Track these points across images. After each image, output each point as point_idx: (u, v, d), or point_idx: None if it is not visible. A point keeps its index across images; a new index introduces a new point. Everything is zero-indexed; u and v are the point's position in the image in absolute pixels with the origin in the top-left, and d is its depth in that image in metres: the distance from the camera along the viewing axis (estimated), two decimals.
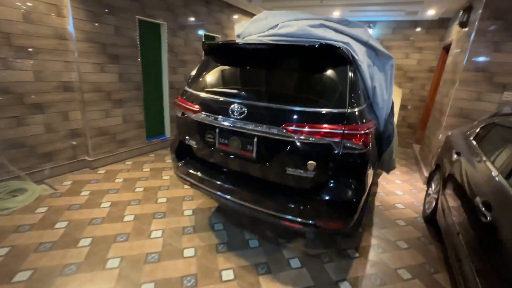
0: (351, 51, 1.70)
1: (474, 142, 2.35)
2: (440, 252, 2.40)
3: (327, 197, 1.63)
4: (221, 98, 1.87)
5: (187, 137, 2.18)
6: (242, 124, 1.74)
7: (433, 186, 2.94)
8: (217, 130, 1.89)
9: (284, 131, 1.61)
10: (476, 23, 3.18)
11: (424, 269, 2.16)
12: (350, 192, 1.64)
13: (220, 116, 1.83)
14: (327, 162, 1.62)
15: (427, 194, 3.11)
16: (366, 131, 1.57)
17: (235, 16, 5.62)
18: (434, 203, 2.77)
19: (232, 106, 1.78)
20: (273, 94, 1.76)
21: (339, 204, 1.64)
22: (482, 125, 2.50)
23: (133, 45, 3.63)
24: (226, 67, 2.05)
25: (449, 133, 3.06)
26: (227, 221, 2.59)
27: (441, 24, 5.18)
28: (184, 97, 2.13)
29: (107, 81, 3.41)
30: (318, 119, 1.58)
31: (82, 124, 3.35)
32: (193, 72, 2.21)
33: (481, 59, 3.24)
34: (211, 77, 2.08)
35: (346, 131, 1.54)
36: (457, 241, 1.80)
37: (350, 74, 1.66)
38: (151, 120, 4.30)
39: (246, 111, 1.73)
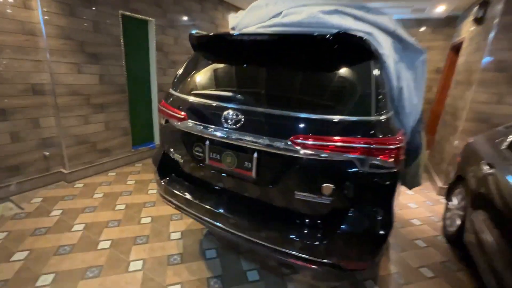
0: (375, 43, 1.34)
1: (510, 154, 2.01)
2: (471, 280, 2.05)
3: (349, 230, 1.26)
4: (213, 103, 1.50)
5: (171, 150, 1.80)
6: (238, 135, 1.37)
7: (456, 201, 2.59)
8: (207, 142, 1.52)
9: (292, 145, 1.24)
10: (497, 19, 2.87)
11: None
12: (378, 223, 1.28)
13: (211, 125, 1.46)
14: (348, 184, 1.26)
15: (447, 209, 2.77)
16: (398, 144, 1.21)
17: (231, 14, 5.27)
18: (458, 221, 2.42)
19: (225, 112, 1.42)
20: (278, 98, 1.39)
21: (365, 239, 1.28)
22: None
23: (116, 44, 3.25)
24: (219, 65, 1.68)
25: (470, 140, 2.73)
26: (221, 246, 2.20)
27: (448, 22, 4.91)
28: (168, 102, 1.76)
29: (85, 83, 3.02)
30: (336, 129, 1.23)
31: (56, 132, 2.94)
32: (179, 71, 1.84)
33: (503, 57, 2.92)
34: (200, 77, 1.71)
35: (373, 145, 1.18)
36: (505, 277, 1.44)
37: (375, 71, 1.30)
38: (138, 126, 3.91)
39: (243, 119, 1.37)
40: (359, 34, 1.29)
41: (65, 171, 3.06)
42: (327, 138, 1.21)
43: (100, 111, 3.25)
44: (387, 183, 1.27)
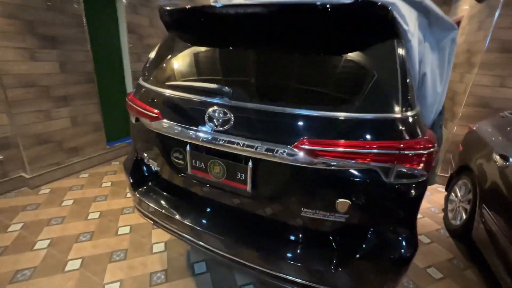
0: (399, 16, 1.05)
1: None
2: (481, 279, 1.92)
3: (370, 254, 1.03)
4: (193, 98, 1.18)
5: (145, 154, 1.48)
6: (227, 139, 1.07)
7: (459, 193, 2.45)
8: (188, 147, 1.21)
9: (297, 152, 0.96)
10: None
11: None
12: (403, 245, 1.04)
13: (192, 126, 1.15)
14: (368, 199, 1.01)
15: (449, 201, 2.63)
16: (430, 148, 0.96)
17: None
18: (463, 215, 2.28)
19: (210, 110, 1.11)
20: (276, 91, 1.10)
21: (388, 265, 1.05)
22: None
23: (78, 24, 2.76)
24: (200, 49, 1.34)
25: (473, 127, 2.56)
26: (211, 258, 1.95)
27: (444, 0, 4.65)
28: (138, 96, 1.41)
29: (42, 72, 2.56)
30: (354, 131, 0.96)
31: (10, 131, 2.50)
32: (150, 57, 1.48)
33: (508, 37, 2.72)
34: (177, 64, 1.37)
35: (402, 151, 0.92)
36: None
37: (400, 53, 1.02)
38: (113, 120, 3.49)
39: (232, 119, 1.07)
40: (381, 1, 1.00)
41: (26, 176, 2.65)
42: (343, 142, 0.94)
43: (64, 104, 2.81)
44: (414, 195, 1.02)
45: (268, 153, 1.00)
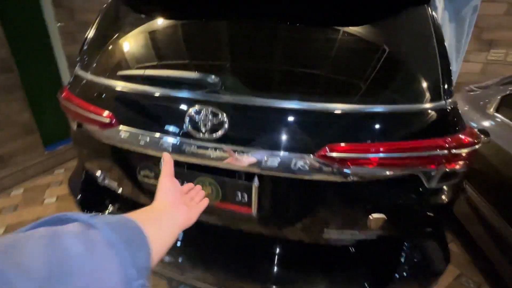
0: None
1: (503, 118, 1.86)
2: (463, 251, 1.99)
3: (411, 271, 0.87)
4: (163, 92, 0.83)
5: (98, 173, 1.08)
6: (220, 150, 0.76)
7: None
8: (162, 162, 0.87)
9: (323, 162, 0.71)
10: None
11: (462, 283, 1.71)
12: (439, 256, 0.90)
13: (166, 135, 0.81)
14: (405, 209, 0.82)
15: None
16: (477, 142, 0.79)
17: None
18: None
19: (191, 110, 0.78)
20: (286, 78, 0.80)
21: (427, 279, 0.89)
22: (503, 94, 2.03)
23: None
24: (168, 22, 0.95)
25: None
26: None
27: None
28: (77, 91, 0.99)
29: None
30: (393, 129, 0.74)
31: None
32: (89, 36, 1.05)
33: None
34: (132, 43, 0.98)
35: (452, 149, 0.73)
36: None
37: (436, 22, 0.81)
38: (49, 118, 2.81)
39: (226, 121, 0.76)
40: None
41: None
42: (383, 145, 0.71)
43: None
44: (452, 198, 0.86)
45: (282, 167, 0.73)
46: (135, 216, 0.37)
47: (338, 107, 0.72)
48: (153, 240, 0.34)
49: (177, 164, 0.88)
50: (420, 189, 0.79)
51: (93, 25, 1.05)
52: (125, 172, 0.99)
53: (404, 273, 0.87)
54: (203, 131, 0.77)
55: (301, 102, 0.73)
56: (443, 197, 0.83)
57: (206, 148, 0.77)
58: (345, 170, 0.71)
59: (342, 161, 0.71)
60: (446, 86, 0.76)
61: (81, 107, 0.94)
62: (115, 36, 0.98)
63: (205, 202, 0.55)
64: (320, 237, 0.87)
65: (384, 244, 0.89)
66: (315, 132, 0.73)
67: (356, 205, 0.82)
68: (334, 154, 0.71)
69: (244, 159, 0.74)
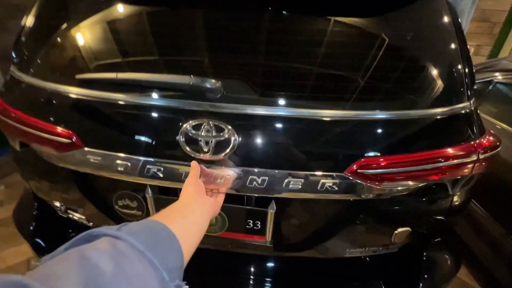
0: None
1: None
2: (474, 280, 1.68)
3: (431, 281, 0.83)
4: (146, 102, 0.64)
5: (58, 204, 0.84)
6: (228, 173, 0.61)
7: None
8: (149, 190, 0.69)
9: (356, 180, 0.61)
10: None
11: None
12: (453, 259, 0.89)
13: (153, 158, 0.63)
14: (429, 220, 0.77)
15: None
16: (498, 146, 0.75)
17: None
18: None
19: (186, 125, 0.61)
20: (306, 82, 0.67)
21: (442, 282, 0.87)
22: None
23: None
24: (148, 5, 0.73)
25: None
26: None
27: None
28: (15, 101, 0.74)
29: None
30: (421, 137, 0.67)
31: None
32: (28, 23, 0.78)
33: (485, 6, 2.73)
34: (98, 33, 0.74)
35: (481, 154, 0.68)
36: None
37: (453, 10, 0.75)
38: None
39: (235, 138, 0.60)
40: None
41: None
42: (416, 156, 0.63)
43: None
44: (466, 202, 0.83)
45: (306, 188, 0.60)
46: (162, 216, 0.39)
47: (370, 114, 0.62)
48: (182, 236, 0.35)
49: (168, 191, 0.71)
50: (444, 197, 0.75)
51: (32, 9, 0.78)
52: (96, 202, 0.78)
53: (422, 281, 0.84)
54: (205, 150, 0.60)
55: (327, 111, 0.61)
56: (461, 202, 0.80)
57: (212, 172, 0.61)
58: (378, 187, 0.62)
59: (376, 177, 0.62)
60: (470, 85, 0.71)
61: (24, 123, 0.69)
62: (68, 24, 0.73)
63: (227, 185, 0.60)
64: (341, 258, 0.78)
65: (404, 259, 0.84)
66: (343, 146, 0.62)
67: (383, 221, 0.74)
68: (369, 171, 0.61)
69: (260, 183, 0.60)
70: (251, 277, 0.85)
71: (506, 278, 1.34)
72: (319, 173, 0.61)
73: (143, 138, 0.64)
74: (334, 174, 0.61)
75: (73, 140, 0.66)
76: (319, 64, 0.66)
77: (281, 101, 0.63)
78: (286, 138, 0.62)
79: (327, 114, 0.62)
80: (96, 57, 0.70)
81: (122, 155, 0.63)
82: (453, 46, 0.71)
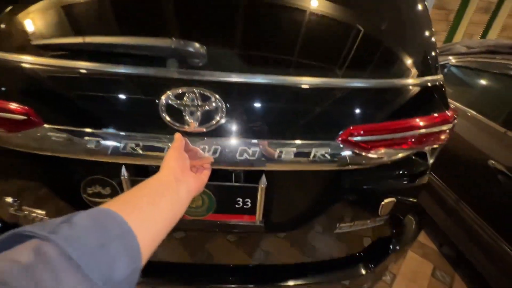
0: None
1: None
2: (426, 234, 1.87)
3: (402, 244, 0.89)
4: (119, 70, 0.57)
5: (9, 200, 0.72)
6: (214, 146, 0.57)
7: None
8: (124, 171, 0.61)
9: (348, 148, 0.60)
10: None
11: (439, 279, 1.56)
12: (418, 221, 0.96)
13: (128, 132, 0.56)
14: (411, 189, 0.81)
15: None
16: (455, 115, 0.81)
17: None
18: None
19: (169, 93, 0.55)
20: (299, 48, 0.64)
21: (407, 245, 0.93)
22: None
23: None
24: None
25: None
26: None
27: None
28: None
29: None
30: (402, 105, 0.69)
31: None
32: None
33: None
34: None
35: (453, 123, 0.72)
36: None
37: None
38: None
39: (223, 107, 0.56)
40: None
41: None
42: (402, 123, 0.64)
43: None
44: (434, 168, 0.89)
45: (300, 159, 0.58)
46: (125, 200, 0.32)
47: (358, 82, 0.62)
48: (146, 230, 0.30)
49: (147, 171, 0.64)
50: (424, 166, 0.78)
51: None
52: (59, 193, 0.67)
53: (396, 245, 0.88)
54: (190, 121, 0.55)
55: (318, 78, 0.59)
56: (428, 171, 0.84)
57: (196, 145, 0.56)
58: (370, 155, 0.62)
59: (367, 144, 0.61)
60: (437, 60, 0.75)
61: None
62: None
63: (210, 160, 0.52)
64: (332, 235, 0.77)
65: (384, 228, 0.86)
66: (334, 113, 0.61)
67: (371, 192, 0.75)
68: (359, 138, 0.60)
69: (251, 154, 0.56)
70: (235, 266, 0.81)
71: (458, 237, 1.49)
72: (312, 141, 0.59)
73: (117, 110, 0.57)
74: (326, 142, 0.59)
75: (30, 116, 0.56)
76: (305, 33, 0.64)
77: (270, 69, 0.60)
78: (276, 107, 0.60)
79: (311, 82, 0.60)
80: (58, 20, 0.61)
81: (90, 130, 0.55)
82: (426, 25, 0.75)
